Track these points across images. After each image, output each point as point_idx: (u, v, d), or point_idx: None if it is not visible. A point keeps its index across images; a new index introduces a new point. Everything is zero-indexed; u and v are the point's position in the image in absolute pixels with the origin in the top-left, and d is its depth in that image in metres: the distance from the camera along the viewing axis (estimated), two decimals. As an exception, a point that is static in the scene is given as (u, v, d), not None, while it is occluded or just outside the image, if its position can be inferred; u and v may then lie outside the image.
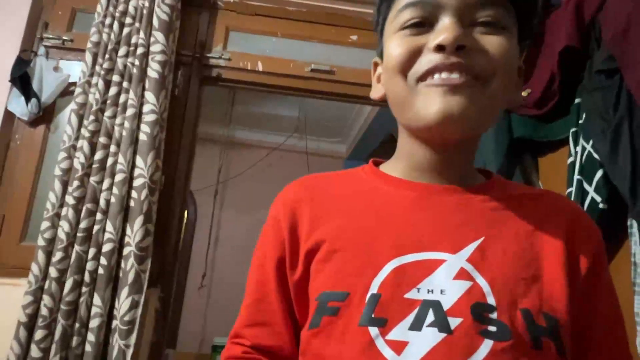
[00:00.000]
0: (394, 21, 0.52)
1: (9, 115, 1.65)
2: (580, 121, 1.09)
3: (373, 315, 0.46)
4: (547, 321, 0.46)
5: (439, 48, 0.47)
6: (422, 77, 0.49)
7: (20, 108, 1.62)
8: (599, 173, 1.00)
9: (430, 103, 0.48)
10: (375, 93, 0.60)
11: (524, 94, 1.23)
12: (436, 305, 0.45)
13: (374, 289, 0.47)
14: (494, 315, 0.45)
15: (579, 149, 1.08)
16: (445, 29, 0.47)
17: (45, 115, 1.67)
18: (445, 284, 0.46)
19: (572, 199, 1.07)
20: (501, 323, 0.44)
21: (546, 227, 0.52)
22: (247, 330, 0.57)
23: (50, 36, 1.72)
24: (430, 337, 0.44)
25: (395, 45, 0.51)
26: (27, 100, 1.60)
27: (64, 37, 1.72)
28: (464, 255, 0.48)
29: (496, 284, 0.46)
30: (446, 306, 0.45)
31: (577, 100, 1.13)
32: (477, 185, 0.56)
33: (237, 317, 0.59)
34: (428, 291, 0.46)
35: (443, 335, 0.44)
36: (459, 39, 0.46)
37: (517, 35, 0.52)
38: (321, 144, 5.37)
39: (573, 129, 1.12)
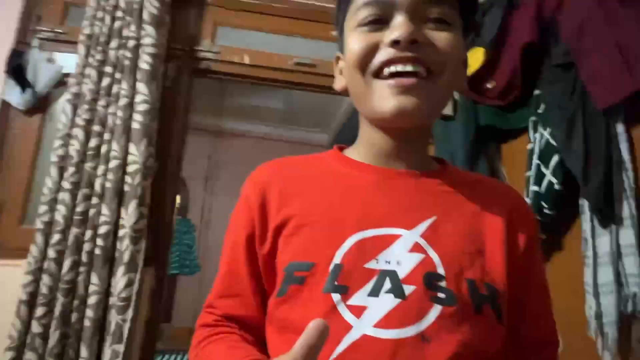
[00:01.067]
0: (352, 18, 0.53)
1: (5, 105, 1.59)
2: (539, 111, 1.11)
3: (336, 283, 0.47)
4: (488, 290, 0.48)
5: (394, 43, 0.47)
6: (378, 72, 0.50)
7: (16, 98, 1.57)
8: (555, 158, 1.03)
9: (386, 100, 0.49)
10: (338, 84, 0.60)
11: (489, 86, 1.24)
12: (393, 274, 0.46)
13: (337, 259, 0.48)
14: (443, 284, 0.46)
15: (537, 136, 1.10)
16: (399, 25, 0.47)
17: (41, 105, 1.62)
18: (401, 256, 0.48)
19: (531, 181, 1.09)
20: (449, 291, 0.46)
21: (490, 210, 0.54)
22: (219, 301, 0.58)
23: (44, 29, 1.66)
24: (386, 302, 0.45)
25: (354, 41, 0.51)
26: (23, 90, 1.56)
27: (57, 30, 1.66)
28: (418, 231, 0.49)
29: (445, 257, 0.48)
30: (401, 275, 0.46)
31: (536, 92, 1.14)
32: (431, 171, 0.57)
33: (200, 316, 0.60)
34: (386, 262, 0.47)
35: (398, 300, 0.45)
36: (412, 35, 0.47)
37: (461, 31, 0.53)
38: (305, 133, 5.36)
39: (533, 118, 1.13)
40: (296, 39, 1.85)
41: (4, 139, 1.61)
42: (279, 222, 0.53)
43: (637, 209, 0.89)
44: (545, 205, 1.04)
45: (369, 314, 0.45)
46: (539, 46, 1.13)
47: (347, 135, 4.85)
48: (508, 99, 1.22)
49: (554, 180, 1.02)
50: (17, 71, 1.55)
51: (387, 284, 0.46)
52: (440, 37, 0.49)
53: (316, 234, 0.51)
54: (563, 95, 1.04)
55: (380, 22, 0.50)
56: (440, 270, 0.47)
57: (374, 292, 0.46)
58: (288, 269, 0.50)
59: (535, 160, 1.09)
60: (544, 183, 1.05)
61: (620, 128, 0.93)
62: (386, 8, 0.49)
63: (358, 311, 0.45)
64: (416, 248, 0.48)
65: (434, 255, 0.48)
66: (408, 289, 0.45)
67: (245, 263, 0.55)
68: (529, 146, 1.13)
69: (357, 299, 0.46)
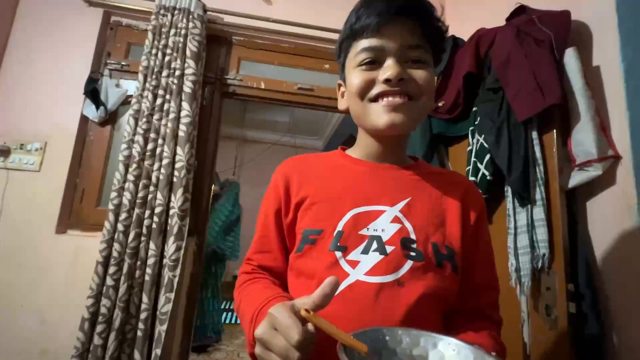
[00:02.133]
0: (352, 59, 0.53)
1: (84, 118, 1.57)
2: (476, 122, 1.10)
3: (338, 244, 0.49)
4: (447, 250, 0.50)
5: (387, 80, 0.50)
6: (374, 99, 0.52)
7: (92, 113, 1.55)
8: (487, 156, 1.02)
9: (380, 117, 0.51)
10: (341, 106, 0.61)
11: (440, 104, 1.23)
12: (378, 238, 0.49)
13: (339, 227, 0.51)
14: (414, 246, 0.49)
15: (474, 141, 1.10)
16: (390, 67, 0.49)
17: (111, 119, 1.60)
18: (385, 225, 0.50)
19: (470, 174, 1.08)
20: (418, 251, 0.49)
21: (449, 193, 0.56)
22: (255, 255, 0.59)
23: (112, 62, 1.63)
24: (373, 257, 0.48)
25: (356, 77, 0.52)
26: (97, 107, 1.53)
27: (123, 63, 1.64)
28: (398, 208, 0.52)
29: (416, 227, 0.51)
30: (385, 239, 0.49)
31: (474, 108, 1.14)
32: (408, 165, 0.59)
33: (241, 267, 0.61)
34: (374, 230, 0.50)
35: (382, 256, 0.48)
36: (399, 74, 0.49)
37: (432, 65, 0.54)
38: (305, 140, 5.35)
39: (471, 128, 1.13)
40: (299, 70, 1.83)
41: (84, 144, 1.59)
42: (298, 200, 0.56)
43: (546, 193, 0.90)
44: (480, 191, 1.04)
45: (361, 266, 0.47)
46: (476, 74, 1.13)
47: (336, 141, 4.84)
48: (454, 114, 1.21)
49: (486, 173, 1.02)
50: (93, 93, 1.53)
51: (374, 245, 0.48)
52: (418, 74, 0.50)
53: (324, 209, 0.53)
54: (493, 111, 1.03)
55: (374, 63, 0.51)
56: (413, 236, 0.50)
57: (365, 251, 0.48)
58: (304, 233, 0.52)
59: (472, 158, 1.08)
60: (479, 175, 1.05)
61: (534, 135, 0.93)
62: (379, 53, 0.50)
63: (353, 264, 0.48)
64: (396, 220, 0.50)
65: (408, 225, 0.50)
66: (389, 248, 0.48)
67: (274, 229, 0.58)
68: (469, 148, 1.13)
69: (353, 255, 0.48)
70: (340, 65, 0.59)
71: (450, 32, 1.37)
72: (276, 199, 0.57)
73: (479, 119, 1.10)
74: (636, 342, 0.74)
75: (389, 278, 0.46)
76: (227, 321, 3.41)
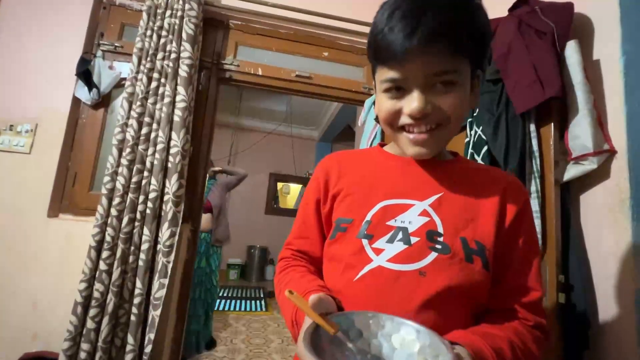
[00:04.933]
0: (379, 84, 0.51)
1: (76, 100, 1.53)
2: (475, 114, 1.10)
3: (365, 232, 0.51)
4: (477, 245, 0.49)
5: (411, 115, 0.48)
6: (401, 128, 0.51)
7: (85, 95, 1.51)
8: (485, 148, 1.02)
9: (407, 149, 0.52)
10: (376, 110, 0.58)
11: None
12: (404, 229, 0.50)
13: (368, 217, 0.52)
14: (441, 239, 0.49)
15: (472, 132, 1.10)
16: (414, 100, 0.47)
17: (104, 101, 1.57)
18: (413, 218, 0.50)
19: (467, 165, 1.09)
20: (444, 244, 0.48)
21: (487, 189, 0.53)
22: (295, 240, 0.62)
23: (106, 43, 1.59)
24: (397, 247, 0.49)
25: (383, 105, 0.51)
26: (89, 89, 1.50)
27: (116, 44, 1.59)
28: (428, 202, 0.52)
29: (445, 221, 0.50)
30: (410, 230, 0.49)
31: (473, 100, 1.14)
32: (445, 160, 0.57)
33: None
34: (401, 222, 0.50)
35: (406, 246, 0.48)
36: (422, 111, 0.47)
37: (470, 73, 0.49)
38: (301, 130, 5.32)
39: (469, 119, 1.13)
40: (297, 57, 1.80)
41: (76, 127, 1.56)
42: (334, 192, 0.58)
43: (541, 185, 0.90)
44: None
45: (385, 253, 0.49)
46: (476, 66, 1.12)
47: (331, 132, 4.81)
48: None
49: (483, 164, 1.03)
50: (85, 75, 1.49)
51: (400, 236, 0.49)
52: (446, 102, 0.47)
53: (356, 200, 0.55)
54: (492, 103, 1.03)
55: (399, 89, 0.49)
56: (440, 230, 0.49)
57: (391, 240, 0.49)
58: (337, 221, 0.55)
59: (470, 150, 1.09)
60: (476, 166, 1.05)
61: (532, 127, 0.94)
62: (403, 83, 0.48)
63: (378, 251, 0.49)
64: (424, 213, 0.50)
65: (436, 219, 0.50)
66: (414, 239, 0.48)
67: (314, 217, 0.60)
68: (466, 140, 1.13)
69: (378, 243, 0.50)
70: (372, 69, 0.55)
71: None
72: (317, 190, 0.60)
73: (477, 110, 1.09)
74: (623, 333, 0.76)
75: (410, 267, 0.47)
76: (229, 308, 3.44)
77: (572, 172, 0.88)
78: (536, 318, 0.50)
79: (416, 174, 0.55)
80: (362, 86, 1.80)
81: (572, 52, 0.88)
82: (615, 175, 0.82)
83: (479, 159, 1.04)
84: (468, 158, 1.09)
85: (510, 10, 1.06)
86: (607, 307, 0.80)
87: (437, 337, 0.39)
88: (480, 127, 1.05)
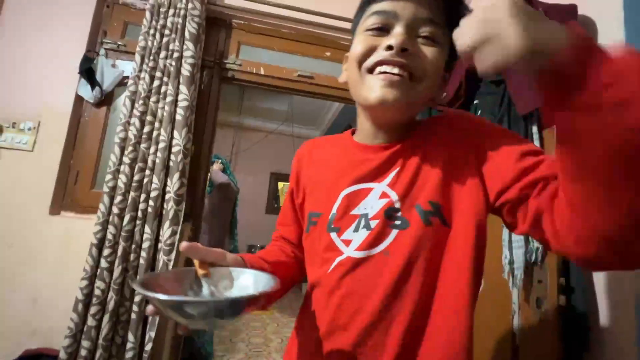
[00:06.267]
0: (362, 24, 0.50)
1: (79, 98, 1.54)
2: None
3: (332, 226, 0.52)
4: (432, 206, 0.47)
5: (389, 47, 0.45)
6: (371, 69, 0.47)
7: (87, 94, 1.52)
8: (487, 150, 1.02)
9: (373, 90, 0.47)
10: (341, 78, 0.58)
11: (443, 95, 1.23)
12: (366, 215, 0.50)
13: (333, 210, 0.53)
14: (399, 214, 0.48)
15: (474, 134, 1.10)
16: (396, 35, 0.45)
17: (106, 100, 1.57)
18: (373, 202, 0.50)
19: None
20: (403, 218, 0.48)
21: (439, 147, 0.51)
22: (279, 227, 0.68)
23: (109, 41, 1.60)
24: (362, 234, 0.49)
25: (358, 42, 0.49)
26: (92, 88, 1.51)
27: (119, 42, 1.60)
28: (385, 182, 0.51)
29: (400, 194, 0.49)
30: (370, 215, 0.50)
31: (475, 101, 1.14)
32: (402, 140, 0.53)
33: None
34: (364, 208, 0.51)
35: (368, 232, 0.49)
36: (404, 44, 0.45)
37: (448, 52, 0.48)
38: (302, 130, 5.32)
39: (471, 121, 1.13)
40: (299, 57, 1.80)
41: (79, 125, 1.56)
42: (305, 182, 0.61)
43: (543, 187, 0.90)
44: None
45: (353, 244, 0.50)
46: (479, 67, 1.12)
47: (333, 132, 4.81)
48: (455, 106, 1.21)
49: (485, 166, 1.03)
50: (88, 73, 1.49)
51: (363, 223, 0.50)
52: (426, 51, 0.46)
53: (323, 192, 0.56)
54: (494, 104, 1.03)
55: (382, 30, 0.47)
56: (397, 205, 0.49)
57: (356, 229, 0.50)
58: (309, 215, 0.57)
59: (471, 151, 1.09)
60: (477, 168, 1.05)
61: (535, 129, 0.94)
62: (389, 18, 0.46)
63: (347, 243, 0.50)
64: (383, 195, 0.50)
65: (394, 196, 0.49)
66: (373, 223, 0.49)
67: (290, 207, 0.65)
68: (468, 141, 1.13)
69: (346, 235, 0.51)
70: (352, 35, 0.54)
71: (454, 23, 1.36)
72: (292, 181, 0.64)
73: (479, 112, 1.09)
74: (623, 336, 0.76)
75: (375, 250, 0.48)
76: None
77: (574, 174, 0.88)
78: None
79: (374, 158, 0.52)
80: (364, 86, 1.80)
81: (575, 54, 0.88)
82: (618, 178, 0.81)
83: (480, 161, 1.04)
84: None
85: (514, 11, 1.07)
86: (607, 309, 0.80)
87: (267, 276, 0.45)
88: (482, 129, 1.05)
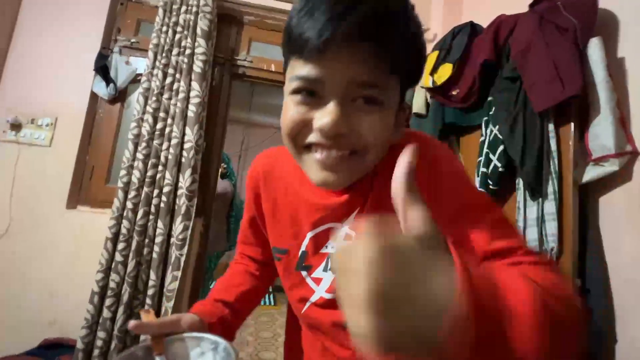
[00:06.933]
0: (289, 81, 0.39)
1: (94, 95, 1.57)
2: (491, 112, 1.08)
3: (303, 264, 0.50)
4: None
5: (320, 131, 0.37)
6: (307, 147, 0.40)
7: (102, 90, 1.55)
8: (501, 147, 1.01)
9: (312, 173, 0.41)
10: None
11: (454, 93, 1.21)
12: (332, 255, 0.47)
13: (303, 248, 0.50)
14: None
15: (488, 131, 1.08)
16: (328, 113, 0.36)
17: (120, 96, 1.60)
18: (338, 242, 0.46)
19: (481, 165, 1.07)
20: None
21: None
22: (240, 245, 0.64)
23: (122, 38, 1.62)
24: (330, 275, 0.48)
25: (288, 111, 0.39)
26: (107, 85, 1.53)
27: (132, 40, 1.62)
28: (347, 224, 0.47)
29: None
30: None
31: (489, 98, 1.12)
32: (360, 183, 0.46)
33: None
34: (331, 247, 0.48)
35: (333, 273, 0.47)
36: (336, 128, 0.36)
37: (398, 96, 0.40)
38: (312, 126, 5.31)
39: (485, 118, 1.11)
40: (310, 53, 1.80)
41: (94, 121, 1.59)
42: (265, 211, 0.54)
43: (559, 187, 0.88)
44: (491, 182, 1.03)
45: (323, 283, 0.48)
46: (493, 63, 1.10)
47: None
48: (468, 103, 1.19)
49: (498, 164, 1.01)
50: (103, 70, 1.52)
51: (331, 262, 0.48)
52: (367, 124, 0.37)
53: (286, 229, 0.51)
54: (509, 101, 1.01)
55: (311, 93, 0.37)
56: None
57: (326, 268, 0.48)
58: (273, 250, 0.54)
59: (485, 149, 1.07)
60: (491, 166, 1.03)
61: (551, 127, 0.91)
62: (317, 86, 0.37)
63: (318, 281, 0.49)
64: (347, 237, 0.47)
65: (353, 235, 0.46)
66: None
67: (250, 229, 0.61)
68: (481, 139, 1.11)
69: (316, 273, 0.49)
70: (283, 54, 0.44)
71: (469, 18, 1.33)
72: (250, 206, 0.57)
73: (494, 109, 1.07)
74: (640, 338, 0.74)
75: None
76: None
77: (591, 173, 0.85)
78: (525, 256, 0.36)
79: (335, 201, 0.47)
80: (375, 83, 1.78)
81: (595, 49, 0.85)
82: (638, 178, 0.79)
83: (494, 159, 1.02)
84: (483, 158, 1.07)
85: (531, 5, 1.04)
86: (624, 311, 0.78)
87: (227, 344, 0.43)
88: (497, 126, 1.03)
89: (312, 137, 0.39)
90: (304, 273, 0.49)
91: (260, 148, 4.86)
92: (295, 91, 0.38)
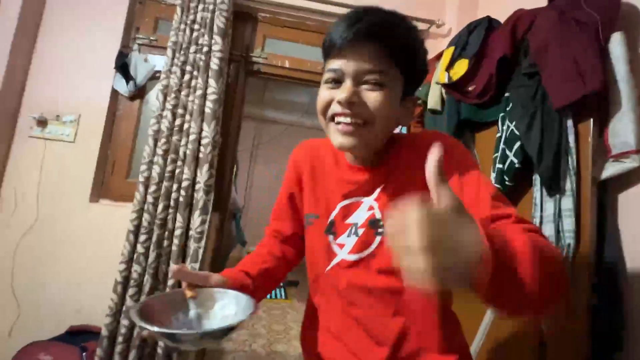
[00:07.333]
0: (324, 75, 0.56)
1: (114, 92, 1.62)
2: (508, 108, 1.08)
3: (331, 230, 0.62)
4: None
5: (339, 102, 0.52)
6: (331, 118, 0.55)
7: (122, 87, 1.59)
8: (517, 144, 1.00)
9: (334, 138, 0.55)
10: None
11: (470, 88, 1.21)
12: (356, 224, 0.60)
13: (332, 217, 0.62)
14: (381, 224, 0.58)
15: (504, 127, 1.07)
16: (343, 90, 0.52)
17: (140, 93, 1.65)
18: (361, 214, 0.60)
19: (497, 161, 1.07)
20: (383, 227, 0.57)
21: (415, 167, 0.53)
22: (273, 222, 0.75)
23: (141, 37, 1.66)
24: (352, 239, 0.59)
25: (320, 93, 0.56)
26: (127, 82, 1.57)
27: (151, 38, 1.66)
28: (372, 197, 0.60)
29: (382, 207, 0.58)
30: (359, 224, 0.59)
31: (506, 94, 1.11)
32: (381, 161, 0.61)
33: (263, 234, 0.76)
34: (355, 218, 0.60)
35: (357, 238, 0.59)
36: (349, 98, 0.51)
37: (401, 86, 0.54)
38: (323, 122, 5.30)
39: (502, 114, 1.10)
40: (324, 49, 1.81)
41: (114, 118, 1.64)
42: (303, 187, 0.68)
43: (577, 183, 0.88)
44: (507, 178, 1.03)
45: (345, 247, 0.60)
46: (510, 58, 1.09)
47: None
48: (484, 99, 1.18)
49: (515, 160, 1.01)
50: (123, 68, 1.56)
51: (353, 230, 0.60)
52: (371, 98, 0.52)
53: (321, 200, 0.65)
54: (527, 97, 1.00)
55: (337, 81, 0.54)
56: (378, 216, 0.58)
57: (348, 235, 0.60)
58: (306, 216, 0.67)
59: (501, 145, 1.06)
60: (507, 162, 1.03)
61: (569, 123, 0.91)
62: (340, 74, 0.53)
63: (341, 246, 0.60)
64: (370, 208, 0.59)
65: (377, 210, 0.59)
66: (361, 231, 0.59)
67: (289, 206, 0.72)
68: (498, 135, 1.10)
69: (340, 239, 0.60)
70: (323, 58, 0.61)
71: (485, 13, 1.32)
72: (291, 183, 0.71)
73: (510, 105, 1.07)
74: (658, 335, 0.74)
75: (364, 253, 0.58)
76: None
77: (610, 170, 0.85)
78: (517, 224, 0.44)
79: (364, 177, 0.61)
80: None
81: (616, 44, 0.84)
82: (659, 175, 0.78)
83: (510, 155, 1.02)
84: (499, 154, 1.07)
85: (551, 0, 1.02)
86: (643, 309, 0.78)
87: (248, 300, 0.51)
88: (514, 122, 1.02)
89: (334, 108, 0.54)
90: (330, 238, 0.61)
91: (271, 144, 4.85)
92: (326, 81, 0.55)
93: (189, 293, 0.51)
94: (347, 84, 0.52)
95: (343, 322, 0.60)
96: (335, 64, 0.53)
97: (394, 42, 0.51)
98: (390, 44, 0.51)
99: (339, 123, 0.53)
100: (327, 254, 0.61)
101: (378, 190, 0.59)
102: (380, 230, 0.57)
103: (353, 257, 0.59)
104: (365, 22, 0.50)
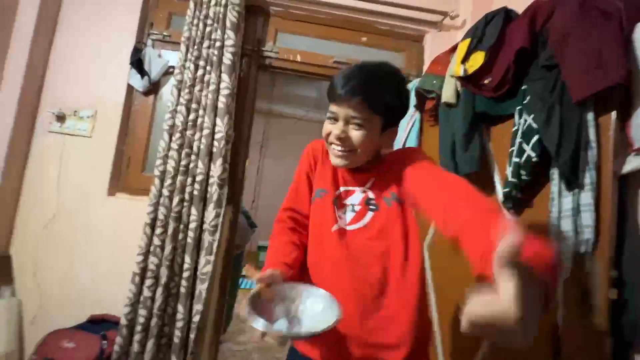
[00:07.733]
0: (327, 112, 0.76)
1: (130, 88, 1.64)
2: (525, 101, 1.06)
3: (336, 203, 0.80)
4: (392, 195, 0.78)
5: (333, 136, 0.74)
6: (330, 143, 0.77)
7: (137, 83, 1.62)
8: (535, 137, 0.98)
9: (332, 158, 0.78)
10: None
11: (486, 81, 1.19)
12: (353, 204, 0.80)
13: (337, 193, 0.82)
14: (373, 201, 0.79)
15: (521, 120, 1.05)
16: (337, 127, 0.73)
17: (154, 88, 1.67)
18: (358, 196, 0.80)
19: (514, 155, 1.05)
20: (375, 204, 0.78)
21: (398, 170, 0.77)
22: (289, 203, 0.87)
23: (155, 32, 1.68)
24: (350, 215, 0.79)
25: (325, 126, 0.77)
26: (141, 77, 1.60)
27: (165, 33, 1.68)
28: (366, 187, 0.81)
29: (374, 191, 0.80)
30: (355, 204, 0.80)
31: (523, 87, 1.08)
32: (377, 167, 0.82)
33: (271, 228, 0.86)
34: (351, 200, 0.80)
35: (354, 213, 0.79)
36: (339, 135, 0.73)
37: (380, 125, 0.74)
38: (332, 116, 5.27)
39: (519, 107, 1.08)
40: (335, 43, 1.80)
41: (130, 113, 1.67)
42: (316, 170, 0.86)
43: (597, 177, 0.86)
44: (524, 173, 1.02)
45: (345, 218, 0.79)
46: (528, 51, 1.06)
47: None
48: (500, 92, 1.16)
49: (532, 154, 0.99)
50: (138, 63, 1.58)
51: (350, 208, 0.80)
52: (355, 135, 0.73)
53: (328, 181, 0.83)
54: (544, 90, 0.98)
55: (335, 119, 0.74)
56: (371, 196, 0.79)
57: (347, 211, 0.79)
58: (317, 191, 0.83)
59: (518, 139, 1.04)
60: (524, 156, 1.01)
61: (590, 116, 0.88)
62: (336, 116, 0.74)
63: (342, 218, 0.79)
64: (363, 192, 0.80)
65: (370, 193, 0.80)
66: (357, 207, 0.79)
67: (305, 184, 0.86)
68: (514, 128, 1.09)
69: (341, 212, 0.80)
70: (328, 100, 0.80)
71: (501, 4, 1.29)
72: (308, 167, 0.87)
73: (528, 97, 1.05)
74: (680, 331, 0.73)
75: (359, 224, 0.78)
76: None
77: (633, 164, 0.83)
78: (476, 202, 0.55)
79: (359, 175, 0.82)
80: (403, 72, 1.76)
81: (641, 34, 0.81)
82: (684, 169, 0.76)
83: (528, 149, 1.01)
84: (515, 147, 1.05)
85: (572, -11, 0.99)
86: (664, 305, 0.76)
87: (333, 300, 0.63)
88: (531, 115, 1.00)
89: (331, 138, 0.75)
90: (335, 207, 0.80)
91: (281, 138, 4.87)
92: (328, 117, 0.76)
93: (268, 292, 0.64)
94: (340, 124, 0.73)
95: (339, 270, 0.75)
96: (334, 108, 0.74)
97: (374, 97, 0.71)
98: (370, 99, 0.71)
99: (334, 148, 0.75)
100: (331, 217, 0.79)
101: (369, 182, 0.81)
102: (372, 207, 0.78)
103: (351, 227, 0.78)
104: (355, 80, 0.70)
